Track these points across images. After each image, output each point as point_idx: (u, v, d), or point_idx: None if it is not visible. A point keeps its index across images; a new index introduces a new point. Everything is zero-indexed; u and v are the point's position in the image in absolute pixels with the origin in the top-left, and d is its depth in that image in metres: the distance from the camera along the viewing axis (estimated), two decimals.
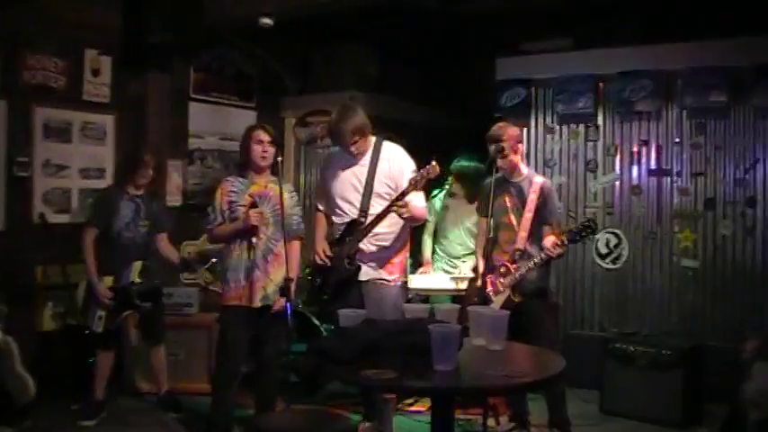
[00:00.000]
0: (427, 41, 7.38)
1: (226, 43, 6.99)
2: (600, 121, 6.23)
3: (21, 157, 5.56)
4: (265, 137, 4.56)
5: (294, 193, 4.83)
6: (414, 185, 4.17)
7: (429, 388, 2.65)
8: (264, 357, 4.63)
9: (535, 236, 4.57)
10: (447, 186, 6.15)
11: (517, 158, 4.68)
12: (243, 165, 4.67)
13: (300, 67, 7.61)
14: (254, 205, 4.48)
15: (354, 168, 4.49)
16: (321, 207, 4.72)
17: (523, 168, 4.76)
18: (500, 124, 4.79)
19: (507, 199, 4.68)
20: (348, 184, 4.49)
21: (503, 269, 4.57)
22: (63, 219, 5.83)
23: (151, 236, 5.28)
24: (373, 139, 4.53)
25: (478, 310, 3.29)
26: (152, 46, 6.11)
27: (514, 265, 4.53)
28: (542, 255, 4.43)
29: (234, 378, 4.64)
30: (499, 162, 4.59)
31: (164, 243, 5.37)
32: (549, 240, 4.45)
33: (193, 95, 6.83)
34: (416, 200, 4.38)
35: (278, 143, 4.65)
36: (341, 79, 7.21)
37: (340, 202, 4.51)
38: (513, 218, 4.64)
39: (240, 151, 4.70)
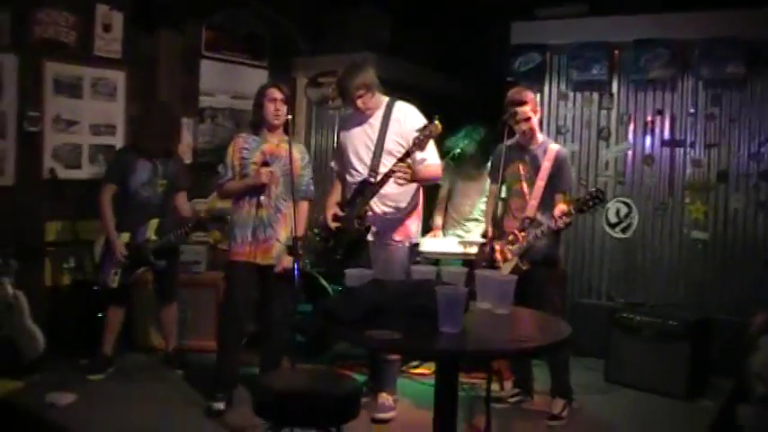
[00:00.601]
0: (440, 5, 7.30)
1: (237, 2, 6.93)
2: (614, 89, 6.17)
3: (31, 112, 5.54)
4: (279, 95, 4.58)
5: (306, 154, 4.83)
6: (417, 145, 4.13)
7: (434, 350, 2.65)
8: (270, 317, 4.66)
9: (546, 204, 4.54)
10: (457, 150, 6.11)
11: (535, 124, 4.65)
12: (256, 123, 4.69)
13: (313, 28, 7.54)
14: (265, 163, 4.51)
15: (366, 127, 4.47)
16: (336, 167, 4.72)
17: (539, 135, 4.73)
18: (518, 88, 4.75)
19: (521, 166, 4.66)
20: (360, 142, 4.47)
21: (511, 237, 4.57)
22: (73, 174, 5.83)
23: (168, 195, 5.29)
24: (386, 98, 4.51)
25: (485, 273, 3.28)
26: (164, 3, 6.06)
27: (523, 233, 4.52)
28: (550, 223, 4.42)
29: (239, 335, 4.70)
30: (522, 126, 4.57)
31: (181, 201, 5.39)
32: (558, 209, 4.43)
33: (205, 53, 6.78)
34: (430, 158, 4.35)
35: (290, 102, 4.64)
36: (353, 41, 7.14)
37: (353, 161, 4.49)
38: (525, 185, 4.62)
39: (253, 109, 4.71)
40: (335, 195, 4.65)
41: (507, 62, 6.50)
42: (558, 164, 4.58)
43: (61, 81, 5.75)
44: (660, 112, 5.99)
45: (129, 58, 6.14)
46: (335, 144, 4.74)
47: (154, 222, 5.17)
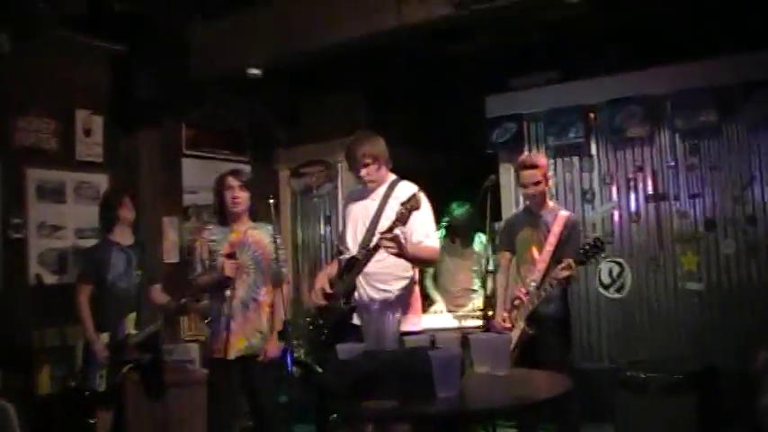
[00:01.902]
0: (415, 84, 7.41)
1: (215, 99, 7.01)
2: (593, 150, 6.23)
3: (15, 219, 5.52)
4: (234, 182, 4.53)
5: (277, 236, 4.61)
6: (399, 220, 3.81)
7: (432, 413, 2.55)
8: (261, 409, 4.51)
9: (553, 270, 4.43)
10: (443, 229, 6.13)
11: (545, 189, 4.65)
12: (219, 214, 4.62)
13: (290, 117, 7.63)
14: (230, 255, 4.39)
15: (366, 202, 4.21)
16: (341, 248, 4.40)
17: (550, 202, 4.73)
18: (532, 153, 4.79)
19: (530, 232, 4.64)
20: (358, 218, 4.22)
21: (516, 301, 4.50)
22: (60, 280, 5.77)
23: (144, 286, 5.19)
24: (392, 176, 4.27)
25: (477, 335, 3.20)
26: (141, 103, 6.13)
27: (527, 296, 4.45)
28: (551, 280, 4.35)
29: (228, 425, 4.52)
30: (530, 190, 4.57)
31: (157, 294, 5.27)
32: (559, 266, 4.36)
33: (186, 151, 6.83)
34: (427, 240, 4.05)
35: (250, 187, 4.57)
36: (331, 127, 7.22)
37: (347, 237, 4.24)
38: (535, 251, 4.57)
39: (214, 200, 4.65)
40: (328, 271, 4.34)
41: (485, 135, 6.55)
42: (569, 230, 4.55)
43: (44, 187, 5.76)
44: (641, 169, 6.02)
45: (110, 161, 6.17)
46: (340, 225, 4.53)
47: (132, 317, 5.04)
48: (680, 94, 5.77)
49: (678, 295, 5.82)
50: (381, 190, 4.18)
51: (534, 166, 4.58)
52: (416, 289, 4.25)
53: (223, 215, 4.58)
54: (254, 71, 5.76)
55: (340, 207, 4.58)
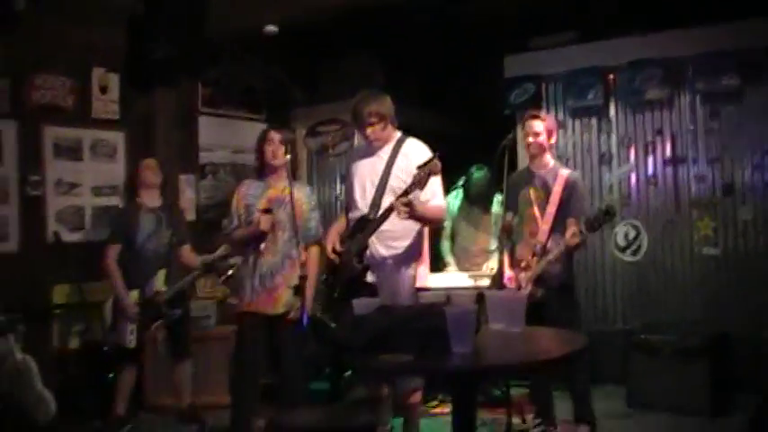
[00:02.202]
0: (432, 44, 7.35)
1: (232, 57, 6.98)
2: (611, 113, 6.17)
3: (33, 177, 5.57)
4: (275, 136, 4.53)
5: (312, 197, 4.72)
6: (416, 183, 3.85)
7: (447, 368, 2.57)
8: (286, 366, 4.54)
9: (558, 229, 4.47)
10: (460, 191, 6.13)
11: (548, 144, 4.62)
12: (259, 169, 4.63)
13: (307, 77, 7.59)
14: (266, 210, 4.42)
15: (373, 160, 4.23)
16: (343, 200, 4.60)
17: (549, 159, 4.69)
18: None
19: (531, 191, 4.62)
20: (365, 176, 4.24)
21: (524, 263, 4.51)
22: (77, 237, 5.84)
23: (173, 247, 5.25)
24: (398, 134, 4.28)
25: (494, 293, 3.21)
26: (157, 62, 6.09)
27: (535, 259, 4.46)
28: (561, 246, 4.35)
29: (252, 388, 4.56)
30: (530, 139, 4.56)
31: (187, 254, 5.33)
32: (568, 231, 4.36)
33: (202, 109, 6.84)
34: (434, 199, 4.12)
35: (291, 144, 4.57)
36: (348, 88, 7.14)
37: (355, 195, 4.26)
38: (536, 210, 4.57)
39: (255, 156, 4.66)
40: (338, 227, 4.39)
41: (503, 95, 6.51)
42: (570, 189, 4.52)
43: (61, 145, 5.79)
44: (660, 132, 5.97)
45: (126, 119, 6.19)
46: (347, 176, 4.51)
47: (161, 273, 5.11)
48: (702, 57, 5.68)
49: (694, 260, 5.80)
50: (388, 148, 4.22)
51: (536, 117, 4.59)
52: (424, 242, 4.36)
53: (262, 170, 4.58)
54: (271, 28, 5.73)
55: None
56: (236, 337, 4.67)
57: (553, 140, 4.69)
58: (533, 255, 4.48)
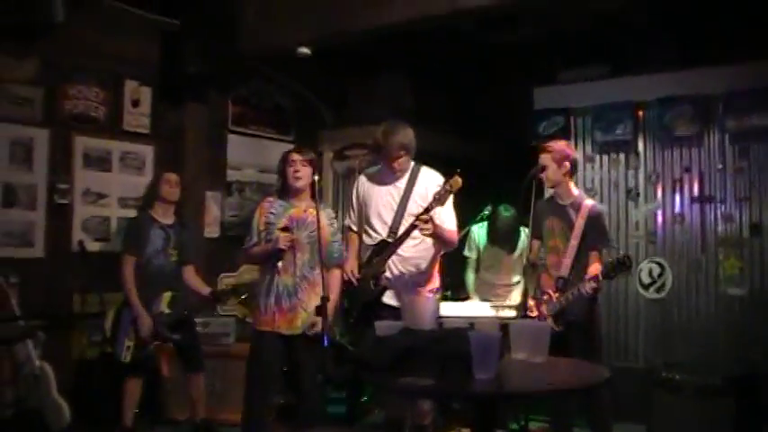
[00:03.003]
0: (463, 71, 7.39)
1: (262, 76, 7.06)
2: (640, 148, 6.13)
3: (61, 185, 5.62)
4: (297, 157, 4.51)
5: (334, 220, 4.70)
6: (437, 200, 4.04)
7: (469, 392, 2.55)
8: (303, 386, 4.51)
9: (581, 262, 4.42)
10: (485, 219, 6.11)
11: (561, 175, 4.54)
12: (282, 189, 4.62)
13: (337, 99, 7.65)
14: (285, 228, 4.39)
15: (390, 188, 4.37)
16: (353, 227, 4.57)
17: (572, 189, 4.63)
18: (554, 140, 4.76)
19: (555, 222, 4.58)
20: (383, 203, 4.36)
21: (546, 297, 4.48)
22: (101, 247, 5.88)
23: (179, 265, 5.26)
24: (412, 163, 4.41)
25: (519, 322, 3.19)
26: (189, 77, 6.19)
27: (557, 294, 4.43)
28: (577, 290, 4.32)
29: (265, 405, 4.55)
30: (540, 175, 4.52)
31: (190, 275, 5.32)
32: (589, 272, 4.32)
33: (232, 128, 6.89)
34: (448, 222, 4.25)
35: (315, 165, 4.58)
36: (377, 111, 7.21)
37: (373, 222, 4.37)
38: (559, 242, 4.54)
39: (277, 176, 4.67)
40: (353, 250, 4.49)
41: (531, 126, 6.51)
42: (592, 221, 4.46)
43: (91, 155, 5.86)
44: (688, 170, 5.92)
45: (156, 132, 6.26)
46: (354, 202, 4.57)
47: (167, 295, 5.10)
48: (732, 95, 5.65)
49: (719, 300, 5.72)
50: (405, 176, 4.36)
51: (544, 149, 4.54)
52: (436, 272, 4.44)
53: (284, 190, 4.56)
54: (304, 50, 5.76)
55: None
56: (249, 355, 4.64)
57: (566, 169, 4.54)
58: (556, 289, 4.45)
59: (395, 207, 4.31)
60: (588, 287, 4.26)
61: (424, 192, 4.28)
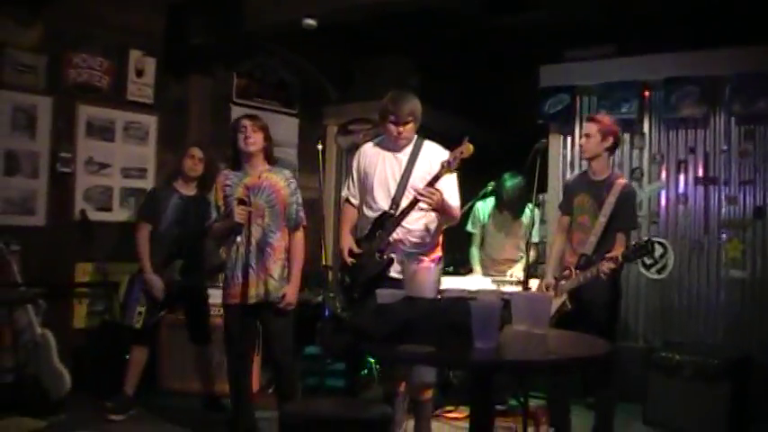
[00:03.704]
0: (468, 52, 7.34)
1: (268, 50, 7.01)
2: (645, 128, 6.10)
3: (64, 153, 5.59)
4: (248, 122, 4.45)
5: (292, 180, 4.57)
6: (447, 167, 3.91)
7: (468, 361, 2.54)
8: (275, 356, 4.54)
9: (607, 242, 4.35)
10: (489, 195, 6.09)
11: (603, 149, 4.45)
12: (234, 159, 4.53)
13: (342, 76, 7.61)
14: (242, 201, 4.33)
15: (393, 159, 4.22)
16: (353, 200, 4.39)
17: (607, 166, 4.54)
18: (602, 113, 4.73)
19: (585, 198, 4.50)
20: (386, 173, 4.21)
21: (566, 272, 4.43)
22: (104, 216, 5.85)
23: (199, 236, 5.18)
24: (415, 136, 4.27)
25: (519, 293, 3.17)
26: (194, 49, 6.14)
27: (577, 271, 4.36)
28: (594, 270, 4.25)
29: (244, 379, 4.53)
30: (582, 140, 4.50)
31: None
32: (612, 253, 4.22)
33: (236, 100, 6.86)
34: (452, 197, 4.14)
35: (267, 130, 4.50)
36: (382, 89, 7.14)
37: (375, 191, 4.22)
38: (587, 219, 4.47)
39: (231, 146, 4.55)
40: (349, 228, 4.35)
41: (536, 105, 6.47)
42: (622, 200, 4.37)
43: (94, 124, 5.82)
44: (693, 151, 5.90)
45: (160, 103, 6.22)
46: (354, 173, 4.41)
47: (178, 263, 5.10)
48: (740, 78, 5.61)
49: (720, 282, 5.71)
50: (408, 149, 4.22)
51: (592, 119, 4.51)
52: (439, 245, 4.33)
53: (237, 159, 4.50)
54: (309, 21, 5.71)
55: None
56: (224, 331, 4.60)
57: (609, 143, 4.46)
58: (577, 266, 4.38)
59: (397, 178, 4.17)
60: (606, 267, 4.17)
61: (427, 165, 4.14)
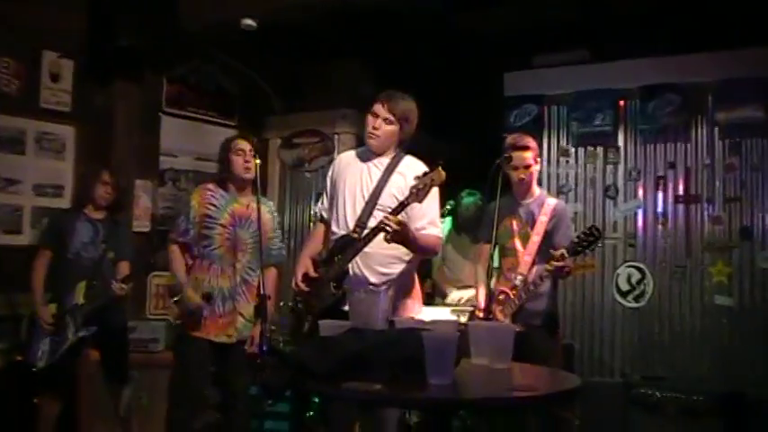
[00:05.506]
0: (428, 55, 7.32)
1: (204, 54, 6.92)
2: (620, 141, 6.15)
3: None
4: (246, 146, 4.47)
5: (275, 214, 4.70)
6: (414, 195, 3.64)
7: (424, 399, 2.47)
8: (232, 402, 4.48)
9: (542, 262, 4.40)
10: (446, 215, 6.07)
11: (535, 175, 4.59)
12: (223, 180, 4.54)
13: (287, 82, 7.53)
14: (208, 297, 4.35)
15: (366, 172, 3.99)
16: (324, 214, 4.20)
17: (536, 188, 4.66)
18: (520, 134, 4.73)
19: (514, 222, 4.57)
20: (355, 187, 3.99)
21: (502, 296, 4.45)
22: (11, 240, 5.70)
23: (110, 261, 5.12)
24: (397, 149, 4.04)
25: (480, 324, 3.12)
26: (120, 51, 6.03)
27: (514, 291, 4.41)
28: (540, 273, 4.29)
29: (195, 416, 4.46)
30: (520, 174, 4.49)
31: (123, 271, 5.15)
32: (552, 253, 4.27)
33: (166, 109, 6.76)
34: (430, 228, 3.91)
35: (260, 154, 4.46)
36: (332, 97, 7.14)
37: (340, 208, 4.02)
38: (518, 242, 4.53)
39: (219, 165, 4.57)
40: (312, 249, 4.18)
41: (501, 117, 6.47)
42: (557, 219, 4.49)
43: (1, 135, 5.68)
44: (672, 166, 5.95)
45: (80, 112, 6.09)
46: (327, 184, 4.21)
47: (81, 285, 4.98)
48: (724, 84, 5.69)
49: (705, 310, 5.75)
50: (383, 161, 3.99)
51: (525, 148, 4.52)
52: (415, 274, 4.13)
53: (225, 181, 4.52)
54: (249, 22, 5.67)
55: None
56: (176, 362, 4.53)
57: (539, 164, 4.68)
58: (512, 288, 4.43)
59: (366, 195, 3.95)
60: (550, 265, 4.22)
61: (401, 182, 3.90)
